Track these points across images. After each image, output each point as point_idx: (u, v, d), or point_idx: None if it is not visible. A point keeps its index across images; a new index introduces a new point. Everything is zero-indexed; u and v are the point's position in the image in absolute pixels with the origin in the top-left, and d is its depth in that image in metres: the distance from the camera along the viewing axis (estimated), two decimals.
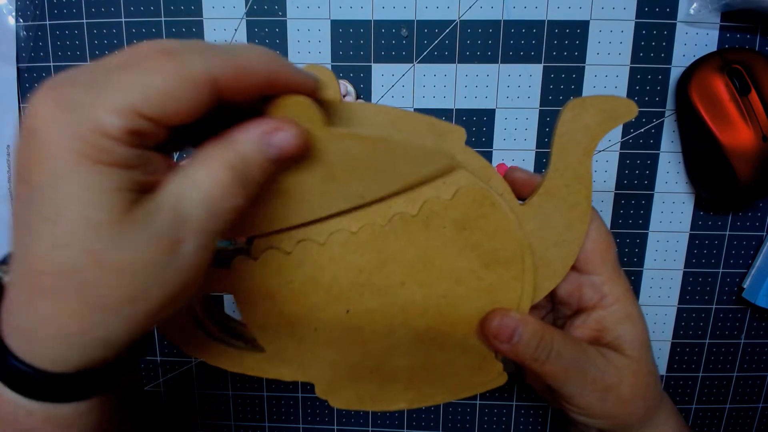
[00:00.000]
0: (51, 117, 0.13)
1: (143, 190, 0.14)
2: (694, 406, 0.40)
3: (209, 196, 0.15)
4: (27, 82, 0.37)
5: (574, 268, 0.23)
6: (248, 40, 0.35)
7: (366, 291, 0.22)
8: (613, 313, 0.23)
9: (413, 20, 0.34)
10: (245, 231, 0.21)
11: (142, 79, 0.14)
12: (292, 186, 0.20)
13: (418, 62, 0.35)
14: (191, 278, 0.15)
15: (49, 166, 0.13)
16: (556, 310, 0.26)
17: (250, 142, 0.16)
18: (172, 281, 0.15)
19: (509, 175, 0.23)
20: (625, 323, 0.23)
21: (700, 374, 0.39)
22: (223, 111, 0.16)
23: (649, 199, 0.36)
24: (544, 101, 0.35)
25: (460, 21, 0.34)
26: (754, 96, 0.32)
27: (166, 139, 0.15)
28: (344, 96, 0.34)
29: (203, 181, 0.15)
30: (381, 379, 0.24)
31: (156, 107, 0.14)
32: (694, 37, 0.34)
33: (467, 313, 0.22)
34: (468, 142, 0.21)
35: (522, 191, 0.23)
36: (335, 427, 0.42)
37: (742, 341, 0.38)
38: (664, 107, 0.35)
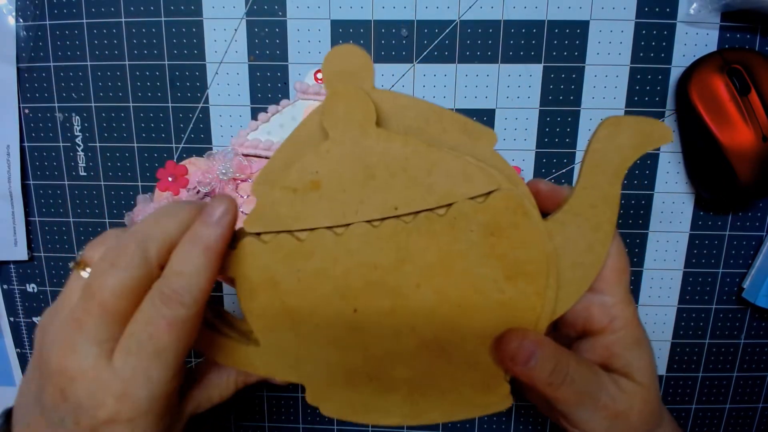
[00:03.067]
0: None
1: None
2: (694, 406, 0.40)
3: None
4: (27, 82, 0.37)
5: None
6: (248, 40, 0.35)
7: (378, 290, 0.21)
8: (623, 338, 0.22)
9: (413, 20, 0.34)
10: (273, 226, 0.20)
11: None
12: (330, 179, 0.19)
13: (418, 62, 0.35)
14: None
15: None
16: (557, 333, 0.25)
17: None
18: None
19: (532, 187, 0.22)
20: (634, 349, 0.23)
21: (700, 374, 0.39)
22: None
23: (649, 199, 0.36)
24: (544, 101, 0.35)
25: (460, 21, 0.34)
26: (754, 96, 0.32)
27: None
28: None
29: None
30: (378, 387, 0.22)
31: None
32: (694, 37, 0.34)
33: (481, 327, 0.21)
34: None
35: (545, 204, 0.22)
36: (335, 428, 0.42)
37: (742, 341, 0.38)
38: (664, 107, 0.35)
